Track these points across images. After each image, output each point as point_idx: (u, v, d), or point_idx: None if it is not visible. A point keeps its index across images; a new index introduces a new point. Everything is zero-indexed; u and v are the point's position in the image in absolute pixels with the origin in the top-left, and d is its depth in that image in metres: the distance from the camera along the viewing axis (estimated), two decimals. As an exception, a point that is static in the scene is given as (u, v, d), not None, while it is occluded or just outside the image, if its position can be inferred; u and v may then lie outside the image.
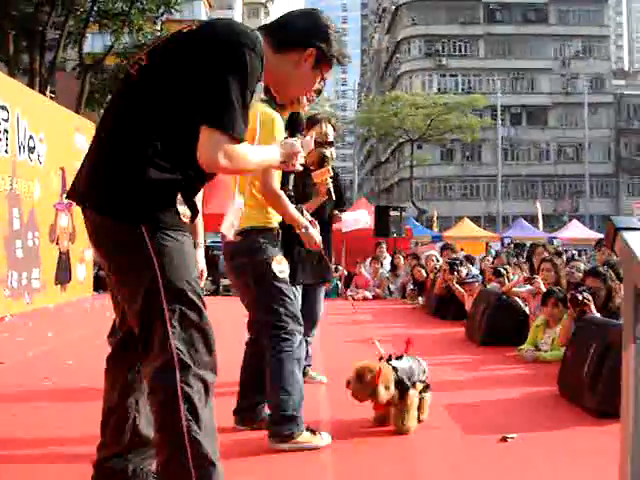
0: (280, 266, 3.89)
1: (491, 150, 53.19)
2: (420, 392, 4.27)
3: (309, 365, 5.56)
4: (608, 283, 5.99)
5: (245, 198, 3.82)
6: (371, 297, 14.08)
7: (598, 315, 5.76)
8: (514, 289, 7.93)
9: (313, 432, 3.81)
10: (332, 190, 4.78)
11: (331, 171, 4.75)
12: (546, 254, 8.90)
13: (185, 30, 2.57)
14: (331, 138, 5.23)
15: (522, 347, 6.96)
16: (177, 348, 2.45)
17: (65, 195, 2.76)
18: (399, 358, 4.29)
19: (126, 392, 2.81)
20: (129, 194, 2.45)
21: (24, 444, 3.85)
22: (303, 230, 4.03)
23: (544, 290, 7.04)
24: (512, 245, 31.25)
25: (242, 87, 2.42)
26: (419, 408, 4.26)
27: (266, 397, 3.97)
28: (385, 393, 4.00)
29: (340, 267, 15.85)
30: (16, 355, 6.63)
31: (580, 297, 5.87)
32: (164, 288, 2.46)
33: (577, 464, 3.67)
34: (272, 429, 3.76)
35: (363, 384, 4.01)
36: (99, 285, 15.27)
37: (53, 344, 7.50)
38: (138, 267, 2.48)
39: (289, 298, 3.87)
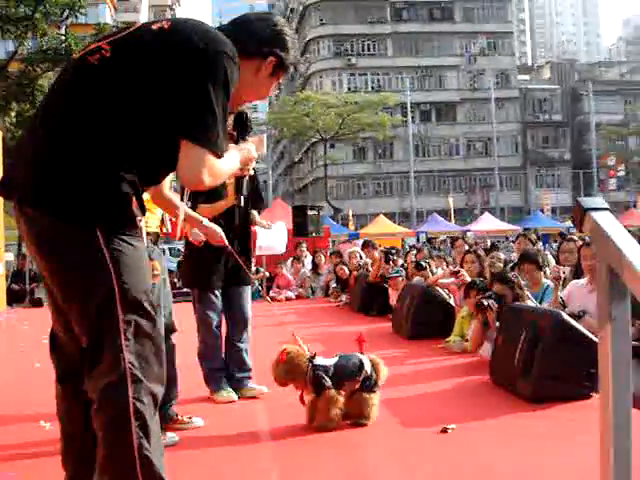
0: (152, 271, 3.91)
1: (403, 147, 53.90)
2: (356, 391, 4.17)
3: (249, 377, 5.16)
4: (515, 290, 6.04)
5: None
6: (294, 297, 14.06)
7: (497, 323, 5.84)
8: (439, 281, 8.01)
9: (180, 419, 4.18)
10: (243, 190, 4.54)
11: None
12: (466, 246, 9.03)
13: (155, 28, 2.40)
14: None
15: (449, 339, 7.04)
16: (130, 362, 2.31)
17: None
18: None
19: (88, 415, 2.46)
20: (84, 195, 2.28)
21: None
22: (201, 225, 4.13)
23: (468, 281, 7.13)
24: (426, 239, 31.85)
25: (223, 99, 2.33)
26: (354, 408, 4.17)
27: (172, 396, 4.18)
28: (282, 373, 4.09)
29: (261, 269, 15.78)
30: None
31: (485, 303, 5.94)
32: (120, 297, 2.31)
33: (516, 449, 3.71)
34: None
35: (277, 367, 4.12)
36: (12, 299, 14.81)
37: (-30, 361, 7.20)
38: (91, 274, 2.32)
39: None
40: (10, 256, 17.16)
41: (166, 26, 2.40)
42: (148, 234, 3.99)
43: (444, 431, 4.02)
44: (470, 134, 58.06)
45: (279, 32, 2.64)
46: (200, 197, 4.72)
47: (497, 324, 5.79)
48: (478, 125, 57.55)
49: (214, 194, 4.67)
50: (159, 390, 2.39)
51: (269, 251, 5.29)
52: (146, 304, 2.39)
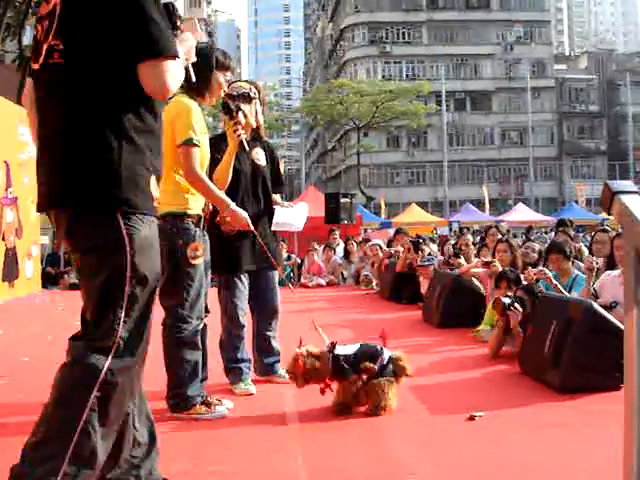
0: (194, 252, 3.98)
1: (436, 136, 53.57)
2: (370, 378, 4.14)
3: (277, 362, 5.15)
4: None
5: (164, 183, 3.83)
6: (325, 284, 14.07)
7: (519, 329, 5.73)
8: (471, 270, 7.97)
9: (208, 405, 4.09)
10: (245, 143, 4.42)
11: (241, 122, 4.41)
12: (499, 235, 8.97)
13: None
14: (246, 91, 4.77)
15: (479, 328, 7.00)
16: (121, 337, 2.38)
17: (36, 209, 2.62)
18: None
19: None
20: (100, 184, 2.38)
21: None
22: (227, 209, 4.06)
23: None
24: (458, 229, 31.64)
25: (157, 4, 2.41)
26: (370, 396, 4.15)
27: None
28: (303, 382, 4.15)
29: (293, 255, 15.84)
30: (-33, 354, 6.45)
31: (507, 302, 5.78)
32: (131, 274, 2.39)
33: (544, 439, 3.69)
34: (169, 403, 4.09)
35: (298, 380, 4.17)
36: (48, 281, 15.01)
37: (5, 341, 7.32)
38: (107, 250, 2.40)
39: (197, 285, 4.02)
40: (45, 239, 17.38)
41: None
42: (189, 216, 4.03)
43: (472, 419, 4.02)
44: (505, 124, 57.53)
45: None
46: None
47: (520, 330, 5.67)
48: (513, 115, 56.99)
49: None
50: (138, 367, 2.47)
51: (284, 227, 5.13)
52: (153, 283, 2.46)
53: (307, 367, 4.09)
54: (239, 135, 4.39)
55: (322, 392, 4.16)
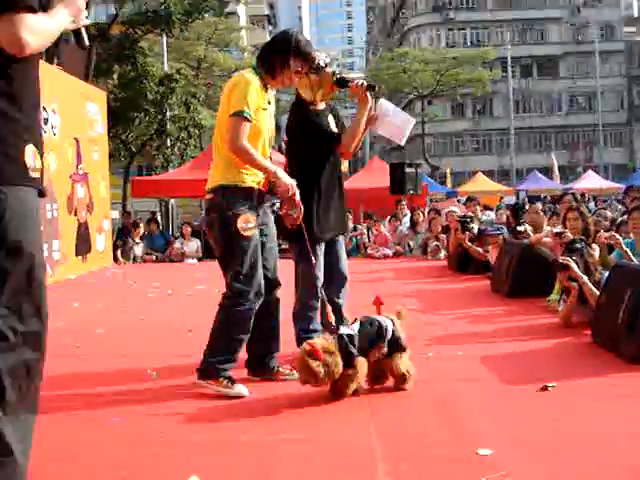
0: (246, 224, 3.99)
1: (502, 103, 52.62)
2: (385, 357, 4.00)
3: None
4: (585, 258, 5.79)
5: (216, 157, 4.20)
6: (391, 254, 14.01)
7: (585, 278, 5.63)
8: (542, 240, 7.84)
9: (232, 382, 4.02)
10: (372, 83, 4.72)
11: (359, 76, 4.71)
12: (574, 203, 8.78)
13: None
14: (323, 62, 4.70)
15: (550, 297, 6.90)
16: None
17: None
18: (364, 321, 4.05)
19: None
20: None
21: (65, 407, 3.85)
22: (273, 176, 4.03)
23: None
24: (526, 198, 31.09)
25: None
26: (378, 371, 4.03)
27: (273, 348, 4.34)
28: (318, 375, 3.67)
29: (359, 226, 15.81)
30: (45, 326, 6.62)
31: (560, 261, 5.71)
32: (4, 243, 2.32)
33: (618, 409, 3.65)
34: (199, 369, 4.08)
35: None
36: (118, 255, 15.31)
37: (80, 314, 7.51)
38: None
39: (251, 257, 4.00)
40: (115, 214, 17.73)
41: None
42: (240, 189, 4.04)
43: (544, 389, 3.98)
44: (573, 89, 56.16)
45: None
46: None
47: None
48: (581, 80, 55.53)
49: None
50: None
51: (389, 130, 5.00)
52: (28, 256, 2.38)
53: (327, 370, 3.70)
54: (362, 83, 4.63)
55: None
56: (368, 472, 2.86)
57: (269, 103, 4.19)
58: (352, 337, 3.85)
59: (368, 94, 4.65)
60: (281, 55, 4.13)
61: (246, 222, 4.00)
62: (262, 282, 4.10)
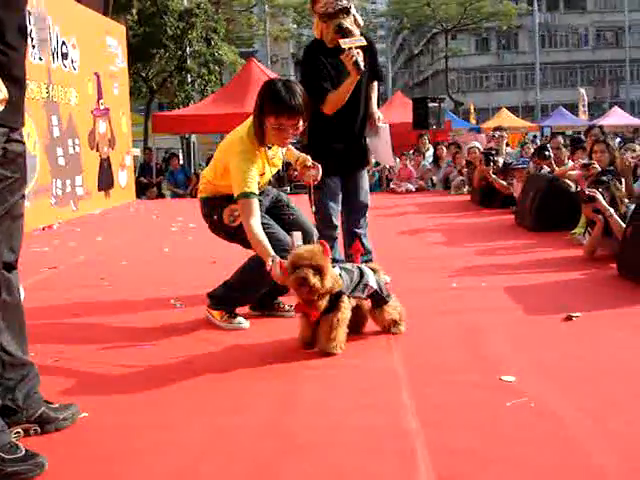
0: (232, 215, 4.06)
1: (528, 37, 51.65)
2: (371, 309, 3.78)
3: (370, 261, 4.82)
4: (612, 190, 5.71)
5: (204, 175, 4.30)
6: (414, 189, 13.93)
7: (612, 210, 5.55)
8: (568, 173, 7.74)
9: (234, 316, 4.07)
10: (360, 62, 4.39)
11: (357, 41, 4.43)
12: (601, 136, 8.64)
13: None
14: (345, 4, 4.61)
15: (575, 230, 6.85)
16: None
17: None
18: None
19: None
20: None
21: (90, 336, 3.90)
22: (267, 265, 3.61)
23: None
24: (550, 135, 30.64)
25: None
26: (356, 320, 3.71)
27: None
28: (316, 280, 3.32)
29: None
30: (70, 259, 6.69)
31: (587, 192, 5.65)
32: None
33: (645, 339, 3.63)
34: (211, 294, 4.16)
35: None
36: (141, 191, 15.37)
37: (104, 247, 7.56)
38: None
39: None
40: (137, 151, 17.72)
41: None
42: (220, 195, 4.09)
43: (569, 319, 3.97)
44: (600, 23, 54.84)
45: None
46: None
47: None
48: (609, 14, 54.18)
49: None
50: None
51: (377, 150, 5.06)
52: None
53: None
54: (352, 56, 4.38)
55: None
56: (393, 395, 2.87)
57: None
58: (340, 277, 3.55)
59: (354, 68, 4.41)
60: (257, 112, 3.88)
61: (231, 213, 4.06)
62: (282, 237, 3.98)
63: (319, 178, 4.22)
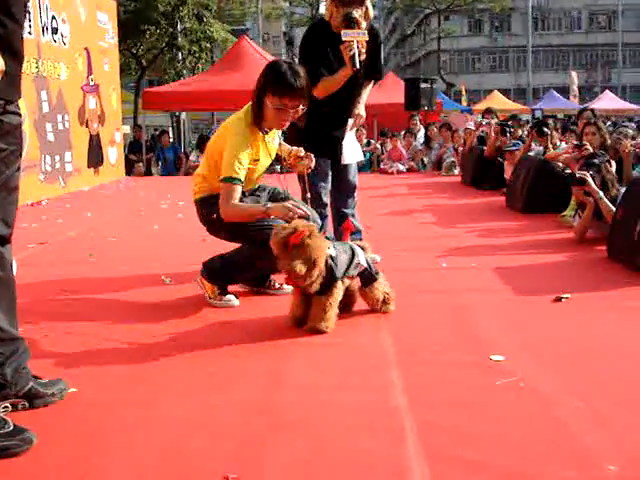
0: None
1: (521, 19, 51.46)
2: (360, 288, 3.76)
3: (360, 240, 4.82)
4: (602, 173, 5.71)
5: (197, 173, 4.23)
6: (405, 170, 13.92)
7: (601, 194, 5.55)
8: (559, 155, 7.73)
9: (225, 293, 4.06)
10: (357, 58, 4.33)
11: (359, 34, 4.36)
12: (592, 118, 8.62)
13: None
14: None
15: (565, 213, 6.86)
16: None
17: None
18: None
19: None
20: None
21: (78, 311, 3.88)
22: (264, 214, 3.79)
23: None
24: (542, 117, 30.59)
25: None
26: (346, 299, 3.68)
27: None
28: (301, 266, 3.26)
29: (372, 141, 15.69)
30: (58, 235, 6.66)
31: (578, 175, 5.65)
32: None
33: (631, 321, 3.64)
34: (206, 264, 4.13)
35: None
36: (130, 168, 15.29)
37: (93, 223, 7.53)
38: None
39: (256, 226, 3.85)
40: (127, 128, 17.61)
41: None
42: (215, 195, 3.98)
43: (558, 300, 3.98)
44: (593, 6, 54.77)
45: None
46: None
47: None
48: (602, -4, 54.12)
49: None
50: None
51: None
52: None
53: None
54: (351, 50, 4.32)
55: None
56: (382, 375, 2.88)
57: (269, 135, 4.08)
58: (334, 258, 3.51)
59: (350, 62, 4.34)
60: (258, 91, 3.87)
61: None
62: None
63: (312, 166, 4.21)
